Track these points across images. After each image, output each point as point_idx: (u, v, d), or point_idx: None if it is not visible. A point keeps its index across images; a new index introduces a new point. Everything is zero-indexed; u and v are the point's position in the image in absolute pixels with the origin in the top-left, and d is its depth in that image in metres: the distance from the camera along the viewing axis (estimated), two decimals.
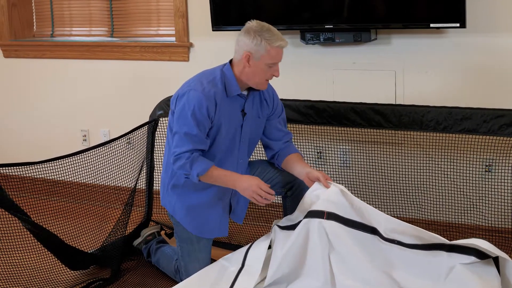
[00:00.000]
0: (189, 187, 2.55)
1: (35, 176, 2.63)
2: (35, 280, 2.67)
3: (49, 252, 2.74)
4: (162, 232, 3.15)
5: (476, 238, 2.25)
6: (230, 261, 2.55)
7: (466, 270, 2.21)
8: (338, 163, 3.20)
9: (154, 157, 3.20)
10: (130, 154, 3.05)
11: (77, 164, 2.76)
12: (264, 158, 2.89)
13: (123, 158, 3.01)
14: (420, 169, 3.04)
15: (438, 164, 3.01)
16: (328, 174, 3.16)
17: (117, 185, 3.00)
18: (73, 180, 2.81)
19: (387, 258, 2.31)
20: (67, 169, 2.72)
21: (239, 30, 3.34)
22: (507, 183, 2.85)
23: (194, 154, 2.39)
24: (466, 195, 2.92)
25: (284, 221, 2.52)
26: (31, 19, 4.20)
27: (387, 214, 2.41)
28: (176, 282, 2.62)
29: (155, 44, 3.69)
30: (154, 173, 3.20)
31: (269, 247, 2.50)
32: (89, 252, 2.92)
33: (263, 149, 2.77)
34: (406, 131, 2.93)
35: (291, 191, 2.67)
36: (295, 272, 2.38)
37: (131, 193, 2.98)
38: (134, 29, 3.89)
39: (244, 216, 2.73)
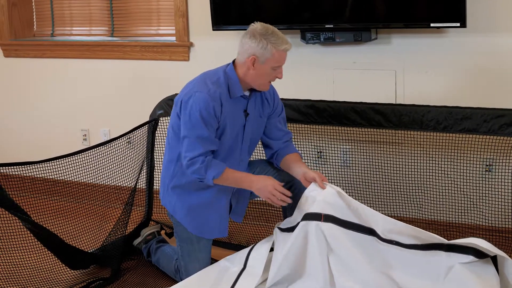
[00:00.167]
0: (189, 187, 2.55)
1: (35, 176, 2.63)
2: (35, 279, 2.67)
3: (49, 252, 2.74)
4: (162, 232, 3.15)
5: (474, 237, 2.25)
6: (232, 261, 2.55)
7: (465, 269, 2.21)
8: (338, 162, 3.20)
9: (154, 156, 3.20)
10: (130, 153, 3.05)
11: (77, 164, 2.76)
12: (263, 158, 2.88)
13: (123, 157, 3.01)
14: (420, 169, 3.04)
15: (438, 164, 3.01)
16: (328, 173, 3.16)
17: (117, 184, 3.00)
18: (73, 180, 2.81)
19: (386, 259, 2.31)
20: (67, 168, 2.72)
21: (240, 29, 3.37)
22: (507, 182, 2.85)
23: (208, 158, 2.40)
24: (467, 194, 2.92)
25: (285, 223, 2.52)
26: (31, 18, 4.20)
27: (387, 214, 2.41)
28: (176, 282, 2.62)
29: (155, 43, 3.69)
30: (154, 173, 3.20)
31: (272, 249, 2.50)
32: (89, 251, 2.92)
33: (262, 149, 2.77)
34: (406, 131, 2.93)
35: (291, 190, 2.67)
36: (296, 273, 2.38)
37: (131, 193, 2.98)
38: (134, 29, 3.89)
39: (244, 215, 2.73)
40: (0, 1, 4.04)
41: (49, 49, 4.01)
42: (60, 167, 2.70)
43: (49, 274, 2.74)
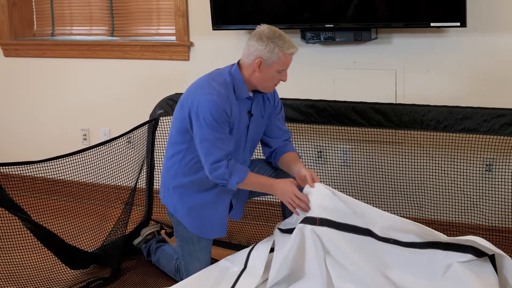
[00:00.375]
0: (192, 187, 2.55)
1: (35, 175, 2.63)
2: (35, 279, 2.67)
3: (49, 251, 2.74)
4: (162, 232, 3.15)
5: (472, 236, 2.25)
6: (233, 261, 2.55)
7: (464, 268, 2.20)
8: (338, 162, 3.20)
9: (155, 156, 3.20)
10: (130, 153, 3.05)
11: (78, 163, 2.76)
12: (261, 157, 2.88)
13: (123, 157, 3.01)
14: (420, 169, 3.04)
15: (438, 164, 3.01)
16: (328, 173, 3.16)
17: (117, 184, 3.00)
18: (73, 179, 2.81)
19: (383, 259, 2.30)
20: (67, 168, 2.72)
21: (240, 29, 3.37)
22: (508, 182, 2.85)
23: (231, 162, 2.40)
24: (467, 194, 2.92)
25: (285, 224, 2.52)
26: (31, 18, 4.20)
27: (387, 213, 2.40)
28: (176, 281, 2.62)
29: (156, 43, 3.69)
30: (155, 172, 3.20)
31: (272, 249, 2.51)
32: (89, 251, 2.92)
33: (260, 148, 2.77)
34: (407, 131, 2.93)
35: None
36: (295, 274, 2.38)
37: (131, 192, 2.98)
38: (135, 28, 3.89)
39: (242, 213, 2.73)
40: (0, 0, 4.04)
41: (49, 49, 4.01)
42: (60, 167, 2.69)
43: (49, 273, 2.74)
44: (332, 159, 3.19)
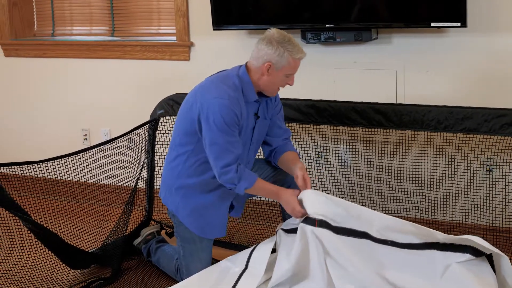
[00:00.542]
0: (195, 188, 2.56)
1: (36, 175, 2.63)
2: (36, 279, 2.67)
3: (49, 252, 2.74)
4: (163, 232, 3.15)
5: (471, 235, 2.25)
6: (234, 262, 2.55)
7: (462, 268, 2.20)
8: (338, 162, 3.20)
9: (155, 156, 3.20)
10: (130, 153, 3.05)
11: (78, 163, 2.76)
12: (261, 157, 2.88)
13: (123, 157, 3.01)
14: (421, 169, 3.03)
15: (439, 164, 3.01)
16: (329, 173, 3.16)
17: (117, 184, 3.00)
18: (73, 179, 2.81)
19: (381, 260, 2.30)
20: (68, 168, 2.72)
21: (240, 29, 3.37)
22: (508, 182, 2.85)
23: (240, 167, 2.41)
24: (467, 194, 2.92)
25: (287, 224, 2.52)
26: (31, 18, 4.20)
27: (388, 213, 2.40)
28: (177, 282, 2.61)
29: (156, 43, 3.69)
30: (155, 173, 3.20)
31: (273, 250, 2.51)
32: (89, 251, 2.92)
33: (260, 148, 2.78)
34: (407, 131, 2.92)
35: None
36: (298, 275, 2.39)
37: (132, 192, 2.98)
38: (135, 28, 3.89)
39: (242, 211, 2.74)
40: (0, 0, 4.04)
41: (49, 49, 4.01)
42: (60, 167, 2.70)
43: (49, 274, 2.74)
44: (333, 159, 3.19)
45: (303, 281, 2.37)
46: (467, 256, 2.21)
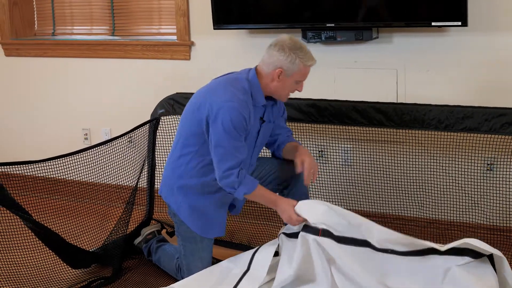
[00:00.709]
0: (197, 189, 2.56)
1: (37, 175, 2.63)
2: (37, 278, 2.67)
3: (50, 251, 2.74)
4: (164, 231, 3.16)
5: (467, 238, 2.24)
6: (236, 263, 2.55)
7: (463, 271, 2.20)
8: (339, 161, 3.20)
9: (156, 155, 3.20)
10: (131, 152, 3.05)
11: (79, 163, 2.76)
12: (261, 156, 2.89)
13: (124, 156, 3.01)
14: (421, 168, 3.04)
15: (439, 163, 3.01)
16: (329, 172, 3.16)
17: (118, 183, 3.00)
18: (74, 179, 2.81)
19: (383, 268, 2.31)
20: (69, 167, 2.72)
21: (240, 29, 3.37)
22: (509, 181, 2.85)
23: (241, 172, 2.42)
24: (468, 193, 2.92)
25: (289, 228, 2.52)
26: (32, 17, 4.20)
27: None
28: (177, 281, 2.61)
29: (157, 42, 3.69)
30: (156, 172, 3.20)
31: (276, 254, 2.51)
32: (90, 250, 2.92)
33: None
34: (408, 130, 2.92)
35: (287, 190, 2.69)
36: (301, 279, 2.39)
37: (133, 192, 2.98)
38: (136, 28, 3.89)
39: (241, 208, 2.75)
40: (1, 0, 4.04)
41: (50, 48, 4.01)
42: (61, 167, 2.70)
43: (50, 273, 2.74)
44: (333, 158, 3.19)
45: (307, 285, 2.37)
46: (466, 259, 2.21)
